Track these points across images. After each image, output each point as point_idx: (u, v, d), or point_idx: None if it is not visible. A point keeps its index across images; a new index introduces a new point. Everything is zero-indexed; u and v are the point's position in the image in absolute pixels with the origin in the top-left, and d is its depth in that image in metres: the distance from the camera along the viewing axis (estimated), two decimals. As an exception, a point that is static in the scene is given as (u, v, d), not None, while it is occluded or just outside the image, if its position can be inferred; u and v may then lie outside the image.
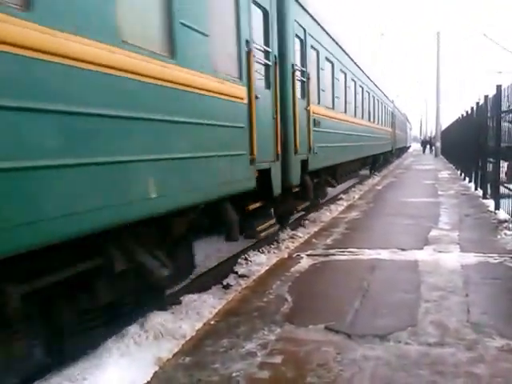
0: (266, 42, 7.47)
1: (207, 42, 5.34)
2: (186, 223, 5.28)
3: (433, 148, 48.66)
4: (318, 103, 10.67)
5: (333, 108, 12.36)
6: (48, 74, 3.19)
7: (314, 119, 9.96)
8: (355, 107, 16.35)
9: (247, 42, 6.50)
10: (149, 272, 4.49)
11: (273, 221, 8.12)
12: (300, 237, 8.88)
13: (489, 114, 13.17)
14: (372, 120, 21.16)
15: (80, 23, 3.47)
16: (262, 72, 7.30)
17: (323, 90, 11.18)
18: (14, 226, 2.95)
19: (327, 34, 11.91)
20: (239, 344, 4.06)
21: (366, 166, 23.40)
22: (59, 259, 3.69)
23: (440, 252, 7.06)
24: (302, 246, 7.87)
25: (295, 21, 8.88)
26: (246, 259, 7.30)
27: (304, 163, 9.19)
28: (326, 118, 11.22)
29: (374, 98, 21.85)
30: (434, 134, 52.65)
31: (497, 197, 10.99)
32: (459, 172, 22.67)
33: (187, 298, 5.39)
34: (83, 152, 3.49)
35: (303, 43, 9.60)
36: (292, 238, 8.91)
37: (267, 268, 6.57)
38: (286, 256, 7.18)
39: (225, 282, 6.36)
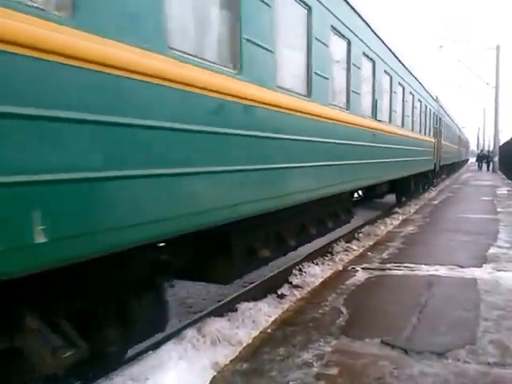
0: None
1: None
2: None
3: (490, 164, 46.92)
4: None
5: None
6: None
7: None
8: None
9: None
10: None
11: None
12: (354, 250, 8.85)
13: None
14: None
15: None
16: None
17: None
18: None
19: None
20: (295, 353, 4.11)
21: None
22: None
23: (499, 270, 6.90)
24: (357, 259, 7.84)
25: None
26: (300, 270, 7.33)
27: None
28: None
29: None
30: (491, 148, 51.29)
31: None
32: (519, 189, 22.03)
33: (243, 306, 5.47)
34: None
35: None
36: (346, 250, 8.89)
37: (322, 280, 6.60)
38: (340, 268, 7.18)
39: (279, 292, 6.41)
